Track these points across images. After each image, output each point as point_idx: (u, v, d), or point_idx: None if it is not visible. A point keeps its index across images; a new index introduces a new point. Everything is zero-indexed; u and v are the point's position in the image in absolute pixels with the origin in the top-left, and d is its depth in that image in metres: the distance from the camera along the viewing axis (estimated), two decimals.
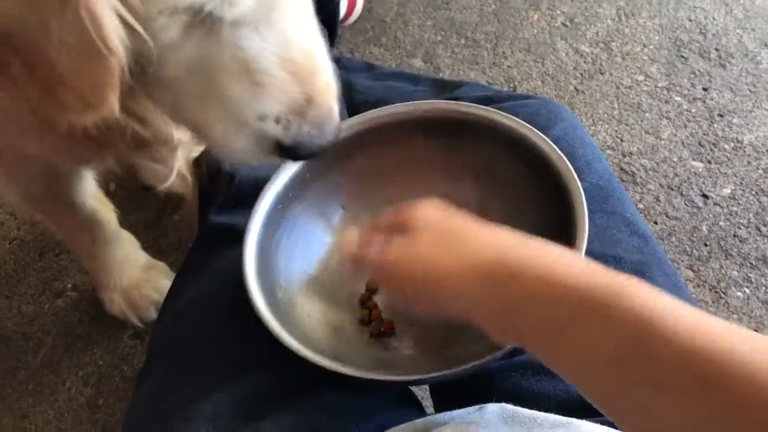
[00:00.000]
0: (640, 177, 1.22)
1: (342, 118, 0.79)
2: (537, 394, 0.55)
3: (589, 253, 0.56)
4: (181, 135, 0.66)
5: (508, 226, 0.46)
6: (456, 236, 0.46)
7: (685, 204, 1.18)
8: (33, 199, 0.85)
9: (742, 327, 0.36)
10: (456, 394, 0.59)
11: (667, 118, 1.30)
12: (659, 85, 1.35)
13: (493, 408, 0.49)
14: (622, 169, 1.23)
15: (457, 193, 0.68)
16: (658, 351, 0.34)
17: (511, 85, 1.37)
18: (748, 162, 1.23)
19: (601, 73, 1.38)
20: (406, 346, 0.61)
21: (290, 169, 0.65)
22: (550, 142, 0.61)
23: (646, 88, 1.35)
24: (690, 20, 1.45)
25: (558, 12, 1.49)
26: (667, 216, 1.17)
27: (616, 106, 1.32)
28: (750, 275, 1.10)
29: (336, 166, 0.68)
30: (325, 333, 0.61)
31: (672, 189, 1.20)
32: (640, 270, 0.61)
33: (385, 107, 0.68)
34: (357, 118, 0.68)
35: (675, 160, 1.24)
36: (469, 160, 0.68)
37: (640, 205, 1.18)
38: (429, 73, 1.38)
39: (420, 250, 0.46)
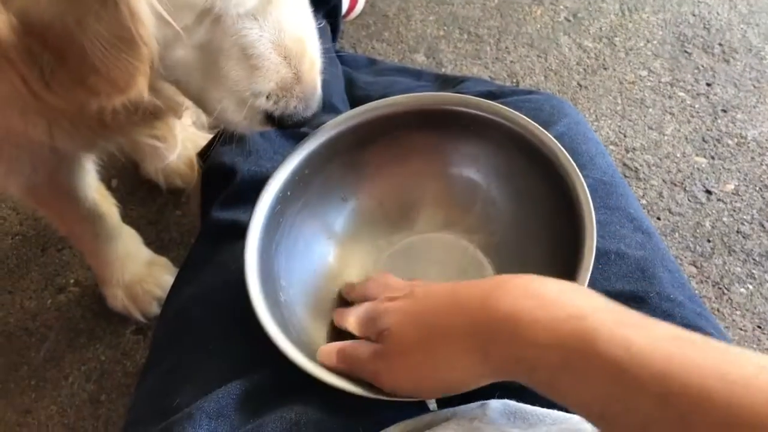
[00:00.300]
0: (643, 173, 1.22)
1: (342, 110, 0.80)
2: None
3: None
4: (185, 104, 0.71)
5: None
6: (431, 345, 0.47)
7: (689, 200, 1.18)
8: (34, 191, 0.85)
9: (716, 341, 0.35)
10: None
11: (670, 113, 1.30)
12: (663, 80, 1.35)
13: (495, 404, 0.49)
14: (625, 164, 1.23)
15: (459, 187, 0.68)
16: (633, 402, 0.34)
17: (514, 81, 1.37)
18: (752, 158, 1.22)
19: (605, 69, 1.37)
20: None
21: (290, 165, 0.64)
22: (553, 138, 0.61)
23: (649, 84, 1.34)
24: (694, 15, 1.45)
25: (561, 7, 1.48)
26: (670, 212, 1.17)
27: (619, 101, 1.32)
28: (753, 271, 1.10)
29: (336, 158, 0.67)
30: (327, 336, 0.61)
31: (675, 185, 1.20)
32: (643, 266, 0.61)
33: (385, 99, 0.68)
34: (356, 110, 0.67)
35: (678, 155, 1.24)
36: (471, 154, 0.67)
37: (643, 201, 1.18)
38: (431, 69, 1.37)
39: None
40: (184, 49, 0.53)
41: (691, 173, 1.21)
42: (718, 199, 1.18)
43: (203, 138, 1.14)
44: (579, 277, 0.53)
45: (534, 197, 0.63)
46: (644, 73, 1.36)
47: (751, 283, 1.09)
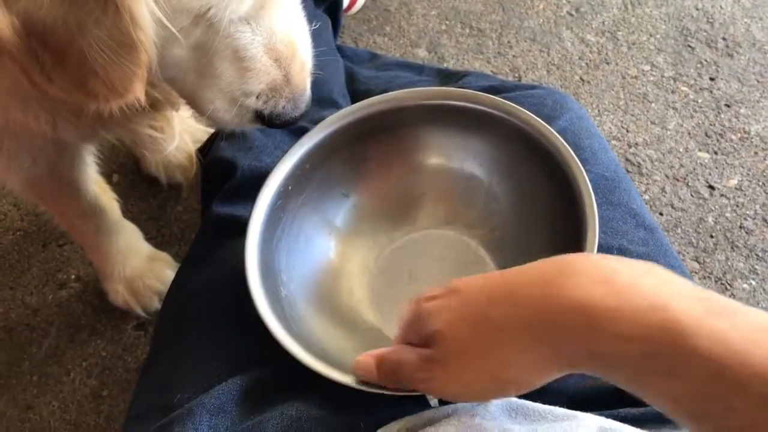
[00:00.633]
0: (646, 168, 1.21)
1: (343, 105, 0.79)
2: (543, 387, 0.54)
3: None
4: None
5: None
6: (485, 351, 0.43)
7: (691, 195, 1.18)
8: (35, 185, 0.85)
9: None
10: None
11: (673, 108, 1.29)
12: (665, 75, 1.34)
13: (497, 401, 0.48)
14: (627, 159, 1.23)
15: (461, 182, 0.68)
16: (734, 402, 0.32)
17: (516, 75, 1.36)
18: (755, 153, 1.22)
19: (607, 63, 1.36)
20: None
21: (291, 160, 0.64)
22: (556, 133, 0.61)
23: (652, 78, 1.34)
24: (697, 9, 1.44)
25: (563, 1, 1.48)
26: (672, 207, 1.16)
27: (621, 96, 1.31)
28: (756, 267, 1.09)
29: (337, 154, 0.67)
30: (331, 331, 0.60)
31: (678, 180, 1.20)
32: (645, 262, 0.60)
33: (386, 94, 0.67)
34: (358, 105, 0.67)
35: (681, 150, 1.23)
36: (473, 149, 0.67)
37: (646, 196, 1.18)
38: (433, 63, 1.37)
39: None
40: (180, 49, 0.54)
41: (694, 168, 1.21)
42: (721, 195, 1.17)
43: (201, 130, 1.14)
44: None
45: (536, 193, 0.63)
46: (647, 67, 1.36)
47: (753, 279, 1.08)
